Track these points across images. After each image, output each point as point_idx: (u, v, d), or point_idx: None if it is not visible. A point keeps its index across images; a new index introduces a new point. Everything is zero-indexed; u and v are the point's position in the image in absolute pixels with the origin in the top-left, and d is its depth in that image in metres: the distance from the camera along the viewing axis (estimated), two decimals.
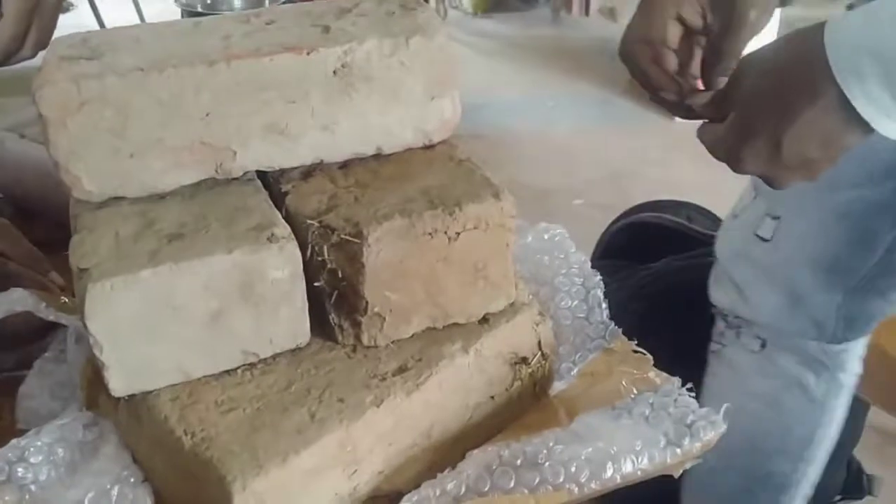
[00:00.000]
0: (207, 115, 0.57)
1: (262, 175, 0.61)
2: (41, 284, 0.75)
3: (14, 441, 0.56)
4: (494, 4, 3.73)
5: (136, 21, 3.00)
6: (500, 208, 0.58)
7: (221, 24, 0.63)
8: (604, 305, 0.73)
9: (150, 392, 0.54)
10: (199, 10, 1.21)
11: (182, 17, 1.24)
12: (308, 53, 0.58)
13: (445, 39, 0.62)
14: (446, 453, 0.59)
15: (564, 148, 2.46)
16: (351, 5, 0.67)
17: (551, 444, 0.57)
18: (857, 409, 1.11)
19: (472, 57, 3.16)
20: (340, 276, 0.55)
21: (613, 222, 1.40)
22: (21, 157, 0.99)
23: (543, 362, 0.65)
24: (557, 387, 0.67)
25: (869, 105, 0.54)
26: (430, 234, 0.56)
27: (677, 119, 0.73)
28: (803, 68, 0.56)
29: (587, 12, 3.57)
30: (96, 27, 2.77)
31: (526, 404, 0.65)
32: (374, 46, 0.59)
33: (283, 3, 1.23)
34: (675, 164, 2.30)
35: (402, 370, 0.56)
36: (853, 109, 0.54)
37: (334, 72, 0.59)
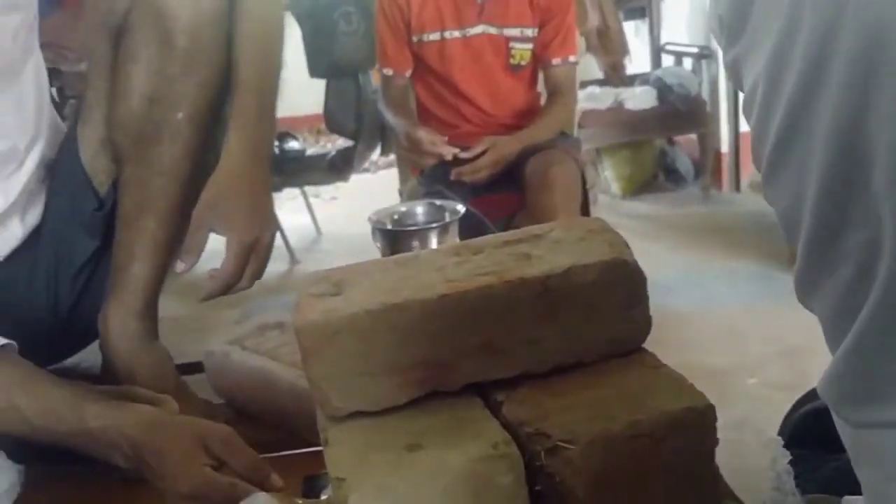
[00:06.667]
0: (432, 338, 0.66)
1: (476, 386, 0.69)
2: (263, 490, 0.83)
3: None
4: (642, 186, 3.82)
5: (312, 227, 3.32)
6: (702, 412, 0.62)
7: (436, 257, 0.74)
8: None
9: None
10: (389, 227, 1.35)
11: (372, 232, 1.39)
12: (517, 280, 0.67)
13: (633, 259, 0.70)
14: None
15: (730, 325, 2.44)
16: (542, 232, 0.76)
17: None
18: None
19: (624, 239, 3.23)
20: (558, 479, 0.61)
21: (796, 407, 1.37)
22: (243, 367, 1.12)
23: None
24: None
25: None
26: (636, 437, 0.61)
27: None
28: None
29: (738, 188, 3.60)
30: None
31: None
32: (573, 270, 0.68)
33: (460, 217, 1.36)
34: None
35: None
36: None
37: (538, 294, 0.67)
